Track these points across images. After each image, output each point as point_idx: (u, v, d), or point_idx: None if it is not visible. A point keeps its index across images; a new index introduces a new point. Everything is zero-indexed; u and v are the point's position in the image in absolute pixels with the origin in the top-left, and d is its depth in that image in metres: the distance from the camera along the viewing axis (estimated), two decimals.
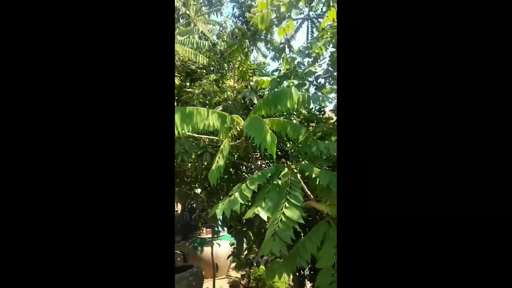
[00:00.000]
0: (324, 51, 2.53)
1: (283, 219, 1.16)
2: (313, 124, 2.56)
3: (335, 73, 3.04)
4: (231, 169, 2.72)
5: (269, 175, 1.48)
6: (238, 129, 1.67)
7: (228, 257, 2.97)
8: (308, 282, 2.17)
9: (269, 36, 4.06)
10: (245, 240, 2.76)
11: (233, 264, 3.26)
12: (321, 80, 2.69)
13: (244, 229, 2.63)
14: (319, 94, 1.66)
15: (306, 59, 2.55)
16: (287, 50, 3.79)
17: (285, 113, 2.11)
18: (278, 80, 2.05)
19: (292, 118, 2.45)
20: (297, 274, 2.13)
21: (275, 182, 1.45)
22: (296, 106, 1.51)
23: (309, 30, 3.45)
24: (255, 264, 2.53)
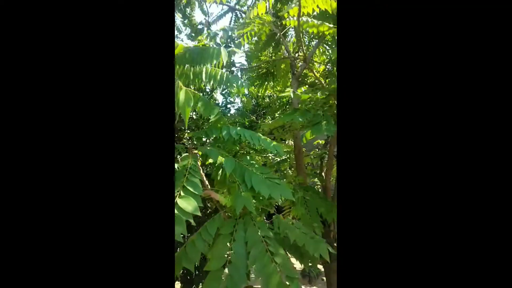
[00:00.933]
0: (246, 43, 2.47)
1: (176, 211, 0.90)
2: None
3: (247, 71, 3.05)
4: None
5: None
6: None
7: None
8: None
9: (188, 11, 3.63)
10: None
11: None
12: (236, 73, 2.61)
13: None
14: (239, 76, 1.52)
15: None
16: (205, 32, 3.50)
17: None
18: (179, 59, 1.75)
19: None
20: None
21: None
22: (218, 74, 1.28)
23: (233, 21, 3.35)
24: None
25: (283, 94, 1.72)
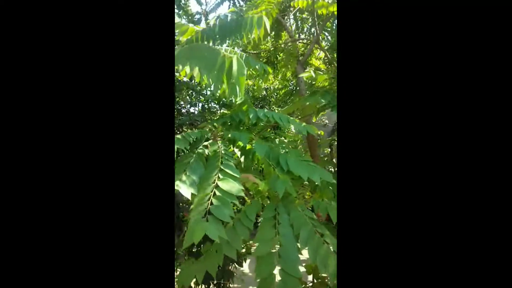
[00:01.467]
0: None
1: (218, 193, 0.83)
2: None
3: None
4: None
5: (191, 139, 1.10)
6: None
7: None
8: None
9: (183, 1, 3.49)
10: None
11: None
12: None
13: None
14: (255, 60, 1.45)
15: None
16: (202, 23, 3.38)
17: None
18: (206, 34, 1.65)
19: None
20: None
21: (200, 150, 1.08)
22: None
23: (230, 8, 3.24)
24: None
25: (302, 75, 1.65)
